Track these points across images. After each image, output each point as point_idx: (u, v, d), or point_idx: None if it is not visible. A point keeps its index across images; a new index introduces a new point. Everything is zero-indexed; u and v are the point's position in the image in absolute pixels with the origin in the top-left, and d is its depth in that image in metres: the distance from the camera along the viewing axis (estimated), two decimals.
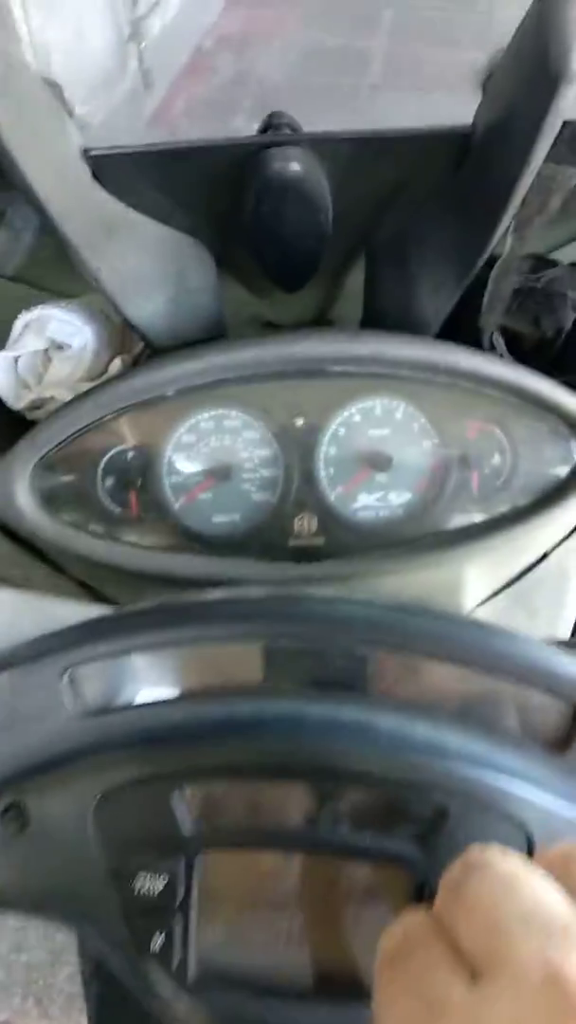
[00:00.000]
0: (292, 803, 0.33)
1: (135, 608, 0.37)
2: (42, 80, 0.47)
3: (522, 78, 0.43)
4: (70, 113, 0.49)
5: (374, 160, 0.52)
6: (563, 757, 0.35)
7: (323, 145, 0.50)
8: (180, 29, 3.32)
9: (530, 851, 0.33)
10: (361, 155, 0.51)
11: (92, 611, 0.42)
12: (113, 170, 0.51)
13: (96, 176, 0.51)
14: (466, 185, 0.52)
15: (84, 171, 0.50)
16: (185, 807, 0.33)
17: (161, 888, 0.33)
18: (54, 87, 0.48)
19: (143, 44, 3.06)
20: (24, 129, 0.44)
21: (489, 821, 0.33)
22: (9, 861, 0.35)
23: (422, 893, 0.33)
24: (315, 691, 0.35)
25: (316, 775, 0.33)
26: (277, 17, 3.70)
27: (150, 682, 0.36)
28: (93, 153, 0.49)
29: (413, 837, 0.33)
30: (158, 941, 0.33)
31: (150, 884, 0.33)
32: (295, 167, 0.50)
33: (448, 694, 0.35)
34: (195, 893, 0.33)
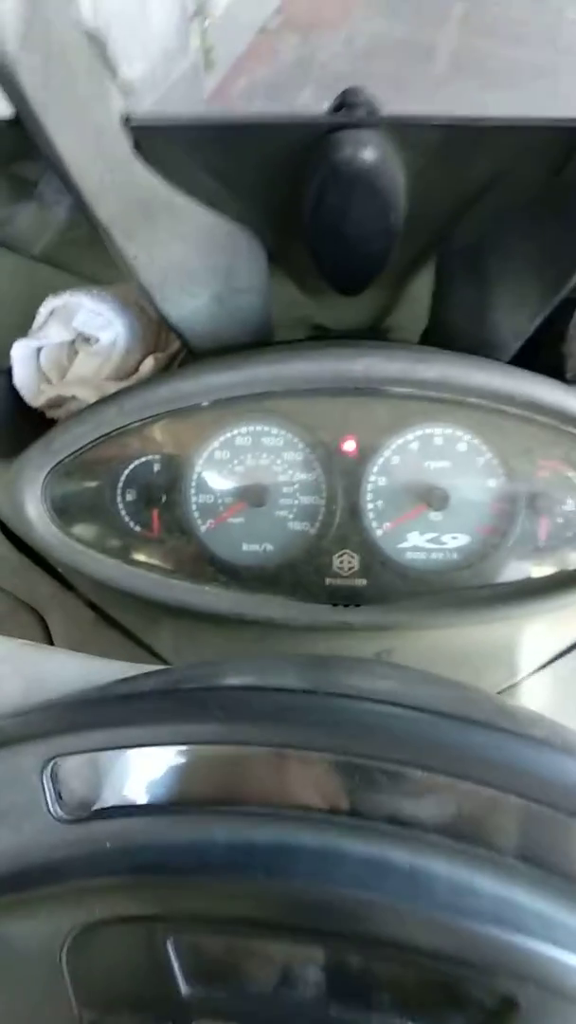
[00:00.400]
0: (317, 972, 0.26)
1: (138, 686, 0.30)
2: (83, 33, 0.39)
3: None
4: (113, 74, 0.42)
5: (463, 152, 0.44)
6: None
7: (405, 131, 0.43)
8: (245, 9, 3.24)
9: None
10: (449, 145, 0.43)
11: (89, 668, 0.35)
12: (158, 144, 0.44)
13: (138, 149, 0.44)
14: (568, 188, 0.44)
15: (124, 142, 0.43)
16: (181, 961, 0.26)
17: None
18: (97, 42, 0.41)
19: (207, 22, 2.98)
20: (55, 89, 0.37)
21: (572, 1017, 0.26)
22: None
23: None
24: (354, 818, 0.28)
25: (350, 938, 0.26)
26: (344, 3, 3.62)
27: (148, 779, 0.29)
28: (136, 123, 0.42)
29: None
30: None
31: None
32: (369, 154, 0.43)
33: (528, 840, 0.28)
34: None
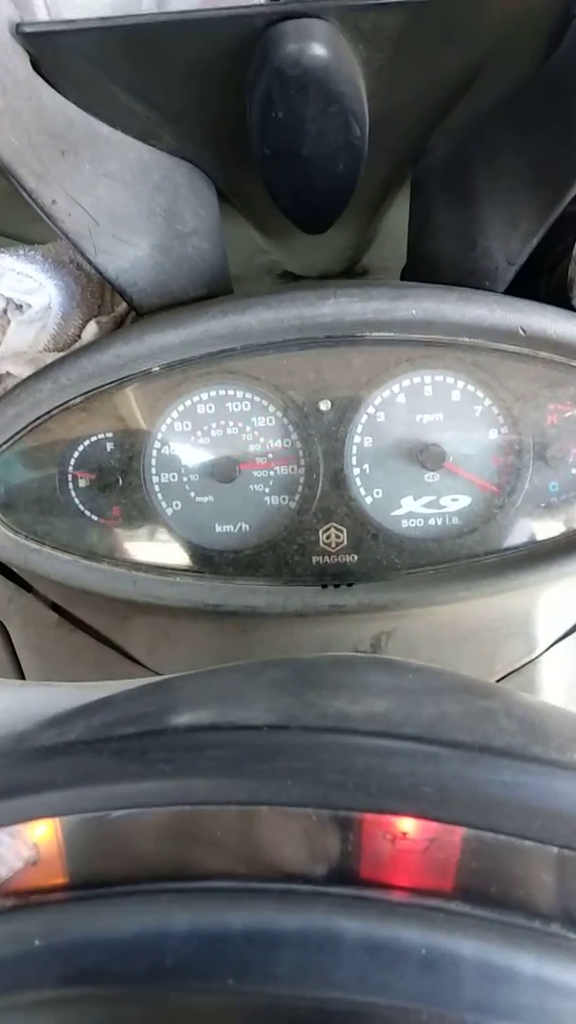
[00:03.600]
0: None
1: (63, 733, 0.24)
2: None
3: None
4: None
5: (432, 39, 0.36)
6: None
7: (360, 17, 0.35)
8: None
9: None
10: (415, 32, 0.35)
11: (49, 694, 0.29)
12: (62, 58, 0.36)
13: (37, 67, 0.36)
14: (560, 76, 0.37)
15: (21, 59, 0.35)
16: None
17: None
18: None
19: None
20: None
21: None
22: None
23: None
24: (347, 886, 0.21)
25: None
26: None
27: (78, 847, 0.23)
28: (29, 29, 0.34)
29: None
30: None
31: None
32: (319, 48, 0.35)
33: (548, 889, 0.22)
34: None
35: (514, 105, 0.40)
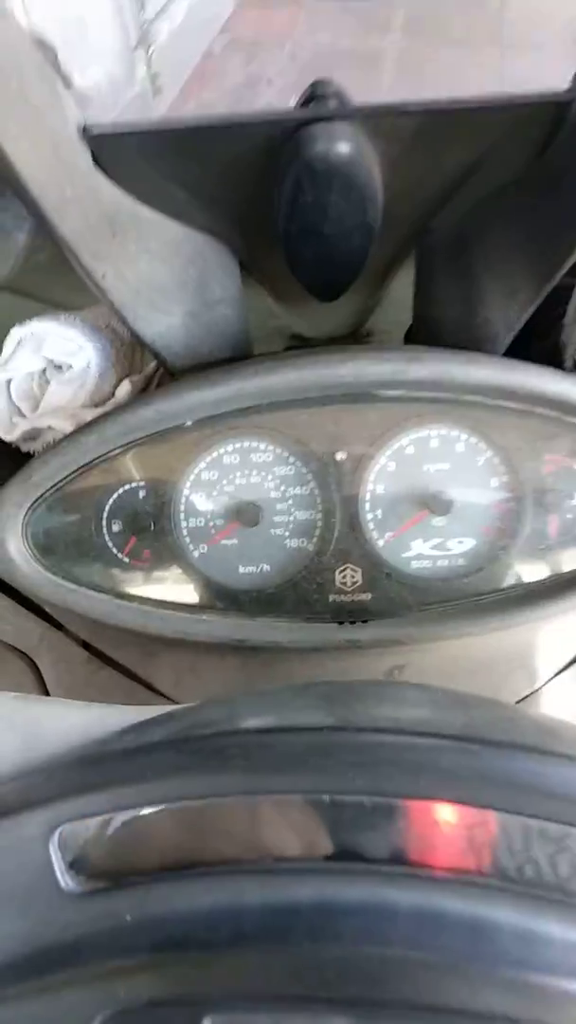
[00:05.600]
0: None
1: (146, 736, 0.28)
2: (32, 39, 0.37)
3: None
4: (67, 83, 0.39)
5: (441, 138, 0.42)
6: None
7: (379, 120, 0.41)
8: (189, 33, 3.26)
9: None
10: (425, 132, 0.41)
11: (88, 717, 0.32)
12: (119, 154, 0.41)
13: (98, 161, 0.41)
14: (556, 167, 0.42)
15: (84, 154, 0.40)
16: None
17: None
18: (47, 50, 0.38)
19: (151, 49, 2.99)
20: (7, 98, 0.34)
21: None
22: None
23: None
24: (399, 865, 0.25)
25: (407, 1006, 0.23)
26: (287, 19, 3.64)
27: (166, 847, 0.26)
28: (95, 132, 0.40)
29: None
30: None
31: None
32: (344, 147, 0.40)
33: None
34: None
35: (513, 190, 0.46)
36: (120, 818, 0.26)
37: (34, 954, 0.25)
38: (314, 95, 0.44)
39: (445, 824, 0.25)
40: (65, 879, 0.25)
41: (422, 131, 0.41)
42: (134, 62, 2.90)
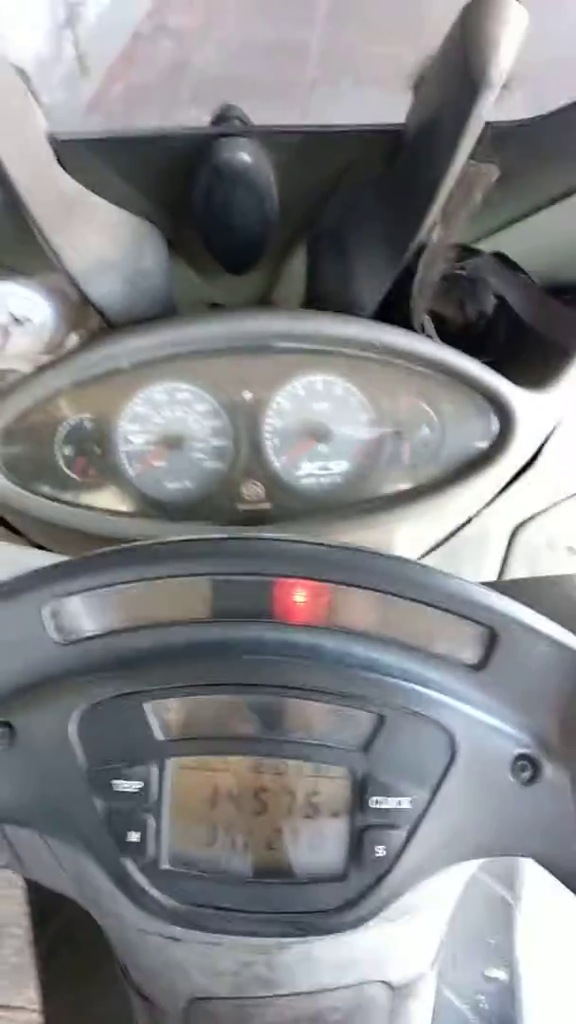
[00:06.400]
0: (251, 715, 0.38)
1: (106, 551, 0.42)
2: (12, 67, 0.50)
3: (448, 83, 0.48)
4: (37, 100, 0.52)
5: (317, 153, 0.56)
6: (480, 674, 0.41)
7: (270, 138, 0.55)
8: (117, 16, 3.31)
9: (453, 751, 0.39)
10: (305, 148, 0.56)
11: (60, 559, 0.46)
12: (75, 154, 0.55)
13: (59, 159, 0.54)
14: (398, 179, 0.57)
15: (49, 154, 0.54)
16: (156, 719, 0.38)
17: (135, 791, 0.38)
18: (23, 75, 0.51)
19: (79, 28, 3.04)
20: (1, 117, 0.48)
21: (420, 727, 0.39)
22: (0, 775, 0.39)
23: (362, 791, 0.39)
24: (269, 620, 0.40)
25: (273, 690, 0.38)
26: (214, 7, 3.72)
27: (119, 614, 0.41)
28: (58, 137, 0.53)
29: (354, 742, 0.39)
30: (133, 838, 0.38)
31: (126, 788, 0.38)
32: (244, 157, 0.55)
33: (386, 623, 0.41)
34: (166, 796, 0.38)
35: (372, 191, 0.61)
36: (89, 596, 0.40)
37: (29, 683, 0.39)
38: (222, 116, 0.58)
39: (299, 593, 0.40)
40: (55, 634, 0.40)
41: (301, 147, 0.56)
42: (61, 41, 2.95)
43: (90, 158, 0.55)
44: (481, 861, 0.56)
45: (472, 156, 0.52)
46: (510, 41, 0.43)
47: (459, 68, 0.45)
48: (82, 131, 0.54)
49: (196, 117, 2.98)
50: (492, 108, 0.48)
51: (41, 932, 0.99)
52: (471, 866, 0.55)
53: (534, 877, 1.09)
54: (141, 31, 3.51)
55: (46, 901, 0.80)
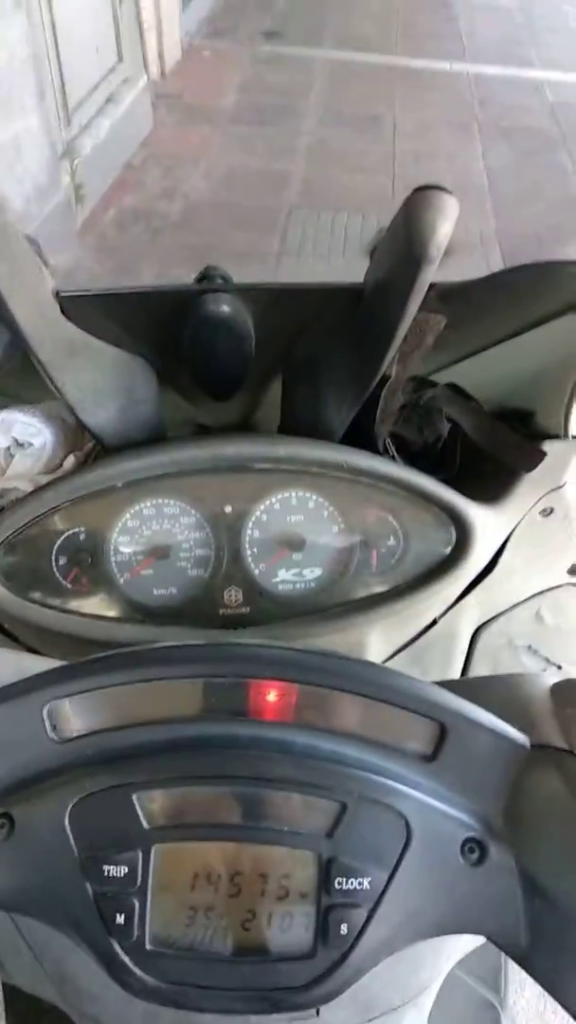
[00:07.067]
0: (228, 804, 0.43)
1: (99, 656, 0.47)
2: (26, 238, 0.59)
3: (396, 256, 0.57)
4: (46, 263, 0.61)
5: (287, 305, 0.65)
6: (432, 764, 0.46)
7: (247, 293, 0.64)
8: (111, 148, 3.56)
9: (408, 835, 0.44)
10: (277, 301, 0.65)
11: (56, 664, 0.51)
12: (77, 307, 0.63)
13: (63, 311, 0.63)
14: (360, 326, 0.66)
15: (55, 307, 0.62)
16: (142, 809, 0.42)
17: (123, 875, 0.42)
18: (34, 243, 0.60)
19: (76, 161, 3.27)
20: (15, 280, 0.56)
21: (378, 813, 0.43)
22: None
23: (328, 872, 0.43)
24: (244, 718, 0.45)
25: (247, 781, 0.43)
26: (202, 139, 4.01)
27: (109, 714, 0.46)
28: (63, 294, 0.62)
29: (320, 828, 0.43)
30: (119, 920, 0.42)
31: (114, 873, 0.42)
32: (225, 309, 0.64)
33: (349, 719, 0.46)
34: (151, 879, 0.42)
35: (338, 333, 0.70)
36: (85, 697, 0.45)
37: (33, 773, 0.44)
38: (206, 275, 0.67)
39: (271, 693, 0.46)
40: (52, 734, 0.45)
41: (273, 299, 0.65)
42: (59, 172, 3.16)
43: (90, 310, 0.64)
44: (458, 960, 0.59)
45: (422, 308, 0.61)
46: (446, 228, 0.53)
47: (405, 246, 0.54)
48: (84, 289, 0.62)
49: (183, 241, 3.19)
50: (437, 271, 0.57)
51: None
52: (445, 964, 0.58)
53: (520, 979, 1.09)
54: (133, 162, 3.77)
55: (26, 1008, 0.81)
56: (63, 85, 3.14)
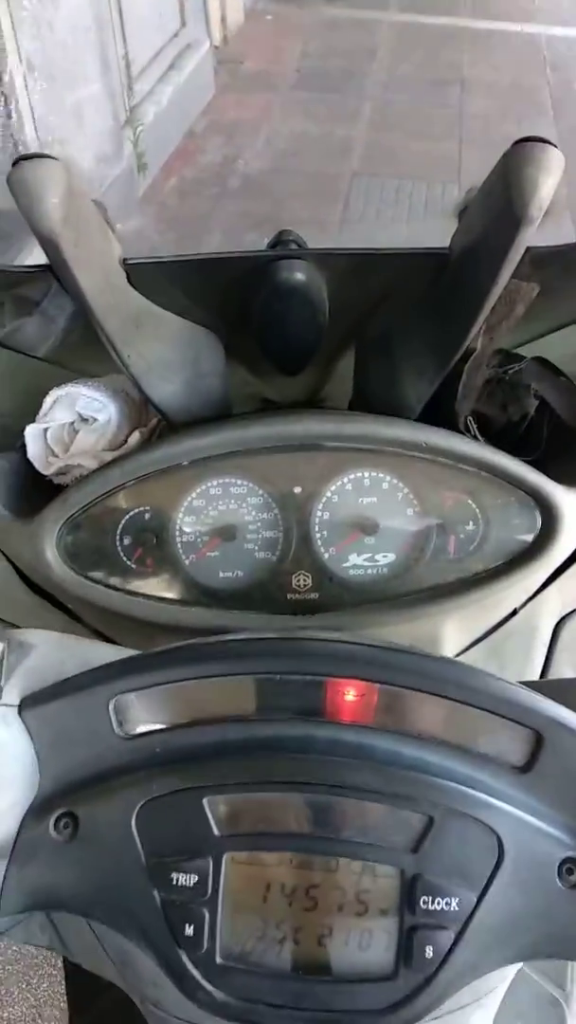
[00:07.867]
0: (304, 813, 0.40)
1: (168, 648, 0.44)
2: (93, 203, 0.56)
3: (491, 216, 0.52)
4: (112, 229, 0.58)
5: (365, 273, 0.61)
6: (526, 776, 0.42)
7: (323, 259, 0.60)
8: (173, 116, 3.52)
9: (501, 853, 0.40)
10: (355, 269, 0.60)
11: (123, 652, 0.49)
12: (144, 275, 0.60)
13: (130, 280, 0.60)
14: (444, 295, 0.61)
15: (121, 276, 0.59)
16: (213, 814, 0.40)
17: (192, 884, 0.40)
18: (101, 208, 0.57)
19: (139, 129, 3.24)
20: (81, 246, 0.53)
21: (468, 828, 0.40)
22: (62, 864, 0.41)
23: (412, 891, 0.40)
24: (321, 719, 0.42)
25: (324, 789, 0.40)
26: (263, 105, 3.93)
27: (177, 710, 0.43)
28: (130, 262, 0.58)
29: (404, 842, 0.40)
30: (188, 931, 0.39)
31: (183, 881, 0.40)
32: (299, 277, 0.59)
33: (434, 723, 0.42)
34: (221, 889, 0.40)
35: (419, 304, 0.65)
36: (149, 692, 0.42)
37: (93, 776, 0.41)
38: (280, 240, 0.63)
39: (349, 692, 0.42)
40: (118, 729, 0.42)
41: (350, 266, 0.60)
42: (122, 140, 3.14)
43: (158, 278, 0.61)
44: None
45: (514, 275, 0.56)
46: (549, 184, 0.47)
47: (502, 205, 0.49)
48: (151, 256, 0.59)
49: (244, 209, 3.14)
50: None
51: (79, 1016, 0.98)
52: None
53: None
54: (195, 129, 3.73)
55: (86, 984, 0.80)
56: (126, 52, 3.10)
